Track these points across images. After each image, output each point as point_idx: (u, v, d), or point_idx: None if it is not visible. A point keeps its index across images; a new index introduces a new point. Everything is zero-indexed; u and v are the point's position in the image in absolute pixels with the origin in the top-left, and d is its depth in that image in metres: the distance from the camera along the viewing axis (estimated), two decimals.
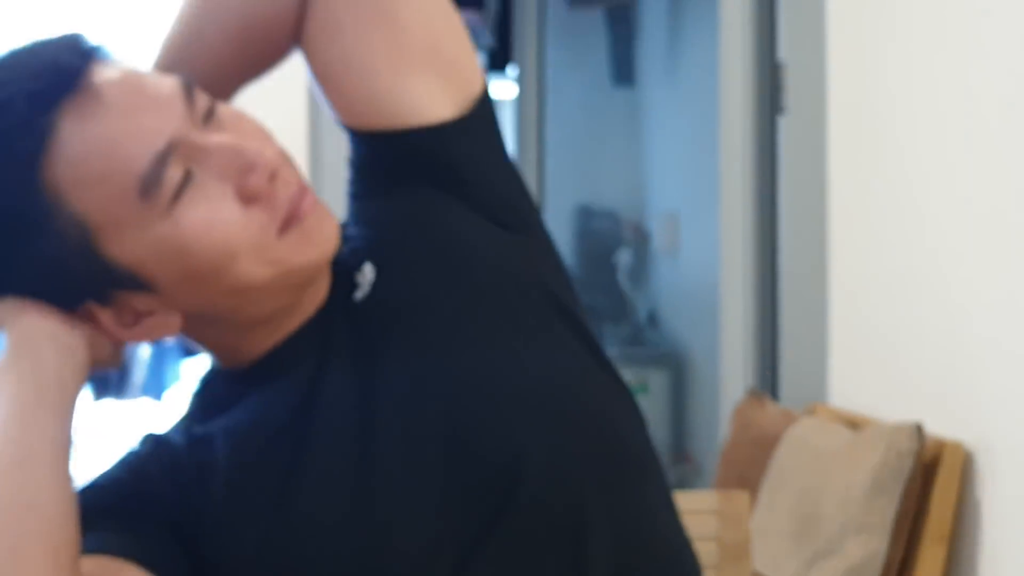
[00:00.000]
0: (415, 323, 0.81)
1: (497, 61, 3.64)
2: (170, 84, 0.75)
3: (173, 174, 0.72)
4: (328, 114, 0.87)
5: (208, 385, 0.88)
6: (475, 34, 4.69)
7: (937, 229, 1.88)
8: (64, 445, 0.71)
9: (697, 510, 1.23)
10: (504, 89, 5.34)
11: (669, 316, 3.96)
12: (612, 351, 3.79)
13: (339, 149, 0.88)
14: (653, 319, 4.03)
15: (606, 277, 4.24)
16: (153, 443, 0.83)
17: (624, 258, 4.33)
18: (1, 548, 0.66)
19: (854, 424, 1.97)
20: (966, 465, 1.75)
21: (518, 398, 0.78)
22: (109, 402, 3.79)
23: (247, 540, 0.77)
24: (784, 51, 2.35)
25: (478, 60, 0.88)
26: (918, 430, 1.73)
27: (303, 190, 0.78)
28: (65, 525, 0.69)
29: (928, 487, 1.76)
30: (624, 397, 0.87)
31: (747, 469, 2.07)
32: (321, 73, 0.84)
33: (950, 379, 1.83)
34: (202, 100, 0.76)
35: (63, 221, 0.73)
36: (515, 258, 0.84)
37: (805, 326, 2.33)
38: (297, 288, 0.80)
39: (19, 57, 0.75)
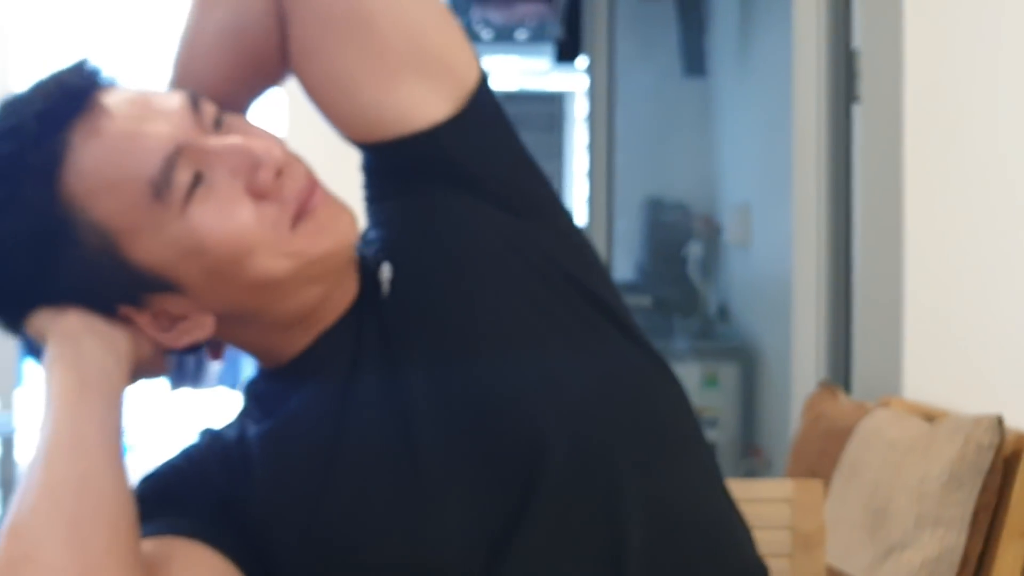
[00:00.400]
0: (435, 318, 0.83)
1: (567, 52, 3.63)
2: (177, 97, 0.79)
3: (183, 176, 0.75)
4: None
5: (254, 384, 0.90)
6: (544, 26, 4.68)
7: (1016, 217, 1.83)
8: (114, 430, 0.74)
9: (770, 498, 1.22)
10: (574, 80, 5.34)
11: (740, 309, 3.91)
12: (682, 344, 3.80)
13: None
14: (724, 312, 3.98)
15: (676, 270, 4.20)
16: (210, 437, 0.86)
17: (695, 251, 4.29)
18: (60, 523, 0.68)
19: (930, 417, 1.93)
20: None
21: (540, 379, 0.80)
22: (186, 392, 3.87)
23: (289, 532, 0.79)
24: (859, 38, 2.30)
25: (471, 49, 0.87)
26: (998, 423, 1.69)
27: (312, 184, 0.79)
28: (121, 503, 0.71)
29: (1008, 481, 1.71)
30: (659, 372, 0.87)
31: (818, 461, 2.03)
32: (311, 92, 0.85)
33: None
34: (210, 109, 0.79)
35: (84, 230, 0.76)
36: (524, 241, 0.85)
37: (879, 318, 2.28)
38: (321, 281, 0.81)
39: (35, 85, 0.79)
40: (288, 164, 0.79)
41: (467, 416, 0.79)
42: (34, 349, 0.81)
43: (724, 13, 3.90)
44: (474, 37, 5.46)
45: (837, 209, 2.40)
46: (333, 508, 0.79)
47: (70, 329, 0.77)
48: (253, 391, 0.90)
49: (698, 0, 3.68)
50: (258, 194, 0.77)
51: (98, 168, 0.76)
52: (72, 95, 0.77)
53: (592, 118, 3.45)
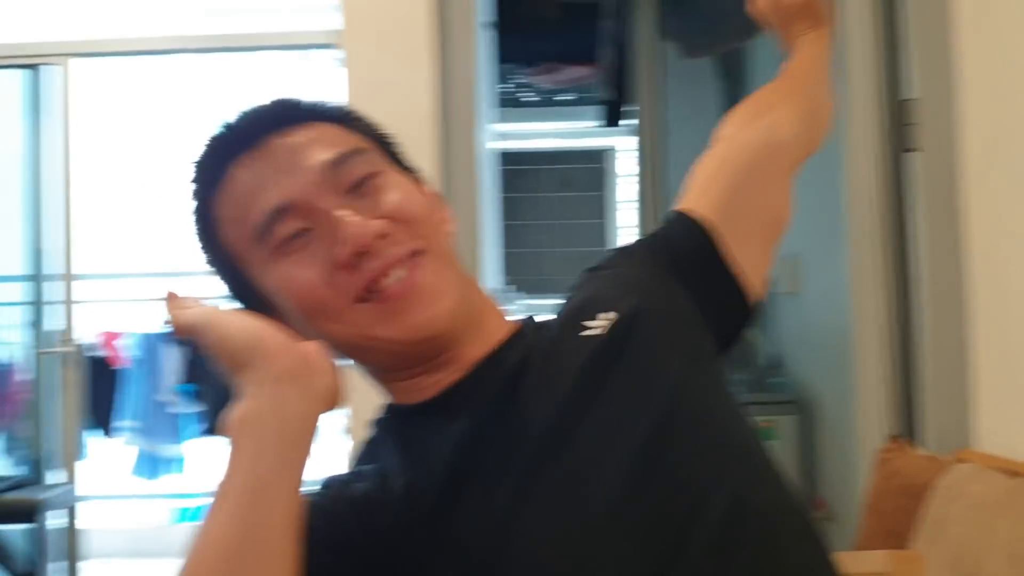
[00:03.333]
0: (635, 367, 0.86)
1: (615, 113, 3.56)
2: (322, 155, 0.85)
3: (284, 229, 0.82)
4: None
5: (383, 421, 0.91)
6: (586, 88, 4.64)
7: None
8: (297, 481, 0.72)
9: (868, 573, 1.11)
10: (618, 138, 5.28)
11: (794, 359, 3.78)
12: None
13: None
14: (777, 363, 3.85)
15: None
16: (337, 484, 0.86)
17: None
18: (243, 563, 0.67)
19: (1010, 470, 1.80)
20: None
21: (712, 444, 0.83)
22: None
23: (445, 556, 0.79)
24: (914, 87, 2.21)
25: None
26: None
27: (412, 269, 0.82)
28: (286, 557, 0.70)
29: None
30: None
31: (895, 520, 1.91)
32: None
33: None
34: (354, 172, 0.85)
35: (220, 246, 0.87)
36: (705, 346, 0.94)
37: (946, 367, 2.16)
38: (404, 356, 0.84)
39: (254, 107, 0.89)
40: (384, 243, 0.82)
41: (640, 461, 0.80)
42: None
43: (765, 67, 3.83)
44: (519, 101, 5.45)
45: (895, 256, 2.29)
46: (510, 536, 0.78)
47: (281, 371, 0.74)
48: (384, 426, 0.91)
49: (740, 56, 3.61)
50: (336, 265, 0.81)
51: (235, 201, 0.85)
52: (247, 134, 0.86)
53: (642, 175, 3.37)
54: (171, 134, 4.78)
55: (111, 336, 4.60)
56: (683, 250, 0.97)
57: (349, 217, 0.81)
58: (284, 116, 0.87)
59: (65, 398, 3.67)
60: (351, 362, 0.88)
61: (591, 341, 0.88)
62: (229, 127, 0.88)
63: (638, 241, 1.03)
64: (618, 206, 5.61)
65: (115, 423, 4.46)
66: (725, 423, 0.87)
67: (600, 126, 4.14)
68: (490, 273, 3.74)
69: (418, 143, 2.24)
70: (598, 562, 0.76)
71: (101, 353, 4.54)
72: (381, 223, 0.82)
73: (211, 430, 4.31)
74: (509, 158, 5.53)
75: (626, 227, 5.43)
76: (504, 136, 5.31)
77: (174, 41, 3.64)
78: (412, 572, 0.79)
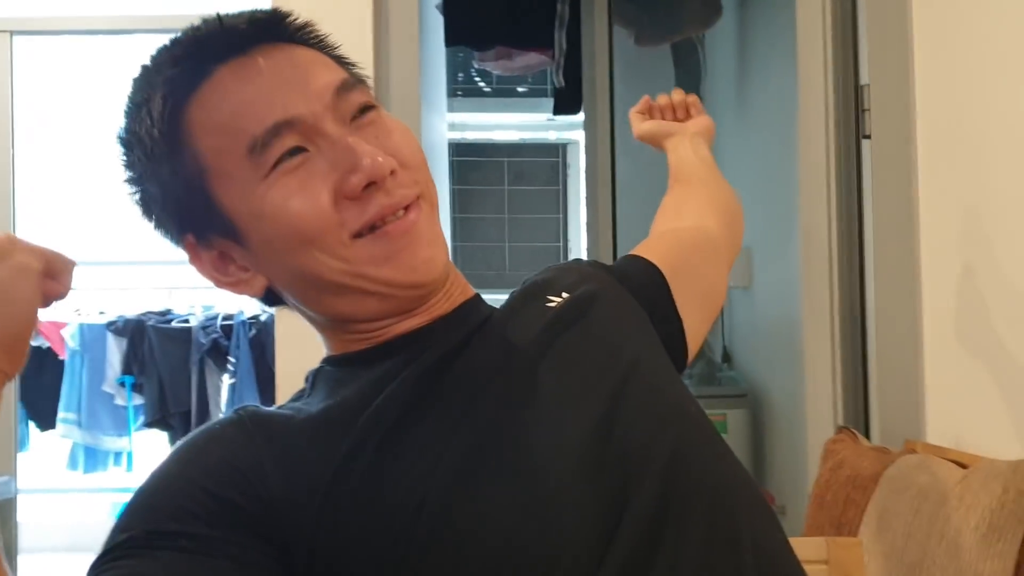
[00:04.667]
0: (591, 345, 0.86)
1: (566, 102, 3.50)
2: (332, 77, 0.81)
3: (282, 144, 0.77)
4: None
5: (319, 371, 0.88)
6: (544, 78, 4.58)
7: None
8: None
9: (805, 559, 1.05)
10: (574, 131, 5.23)
11: (745, 353, 3.75)
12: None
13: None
14: (728, 357, 3.82)
15: None
16: (246, 416, 0.80)
17: None
18: None
19: (959, 461, 1.76)
20: None
21: (671, 412, 0.83)
22: None
23: (360, 514, 0.73)
24: (867, 73, 2.17)
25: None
26: None
27: (408, 211, 0.79)
28: None
29: None
30: None
31: (842, 511, 1.86)
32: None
33: None
34: (356, 100, 0.81)
35: (188, 155, 0.79)
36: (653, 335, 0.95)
37: (897, 359, 2.12)
38: (385, 301, 0.81)
39: (236, 13, 0.81)
40: (392, 181, 0.78)
41: (597, 428, 0.78)
42: None
43: (721, 59, 3.80)
44: (475, 91, 5.38)
45: (849, 247, 2.25)
46: (436, 495, 0.73)
47: None
48: (318, 374, 0.87)
49: (694, 47, 3.56)
50: (341, 194, 0.77)
51: (220, 108, 0.78)
52: (237, 38, 0.79)
53: (592, 168, 3.30)
54: (114, 118, 4.65)
55: (55, 326, 4.47)
56: (638, 281, 0.99)
57: (363, 146, 0.77)
58: (280, 30, 0.82)
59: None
60: (301, 304, 0.84)
61: (552, 309, 0.88)
62: (215, 25, 0.80)
63: (591, 261, 1.05)
64: (579, 201, 5.57)
65: (59, 415, 4.35)
66: (679, 398, 0.87)
67: (550, 118, 4.08)
68: None
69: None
70: (554, 528, 0.72)
71: (43, 343, 4.41)
72: (392, 160, 0.79)
73: (152, 422, 4.20)
74: (464, 149, 5.47)
75: (583, 223, 5.39)
76: (459, 127, 5.25)
77: (122, 21, 3.52)
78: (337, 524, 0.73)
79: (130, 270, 4.74)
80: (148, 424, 4.22)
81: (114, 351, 4.31)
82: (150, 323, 4.31)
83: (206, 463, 0.74)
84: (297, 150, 0.77)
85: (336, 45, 0.87)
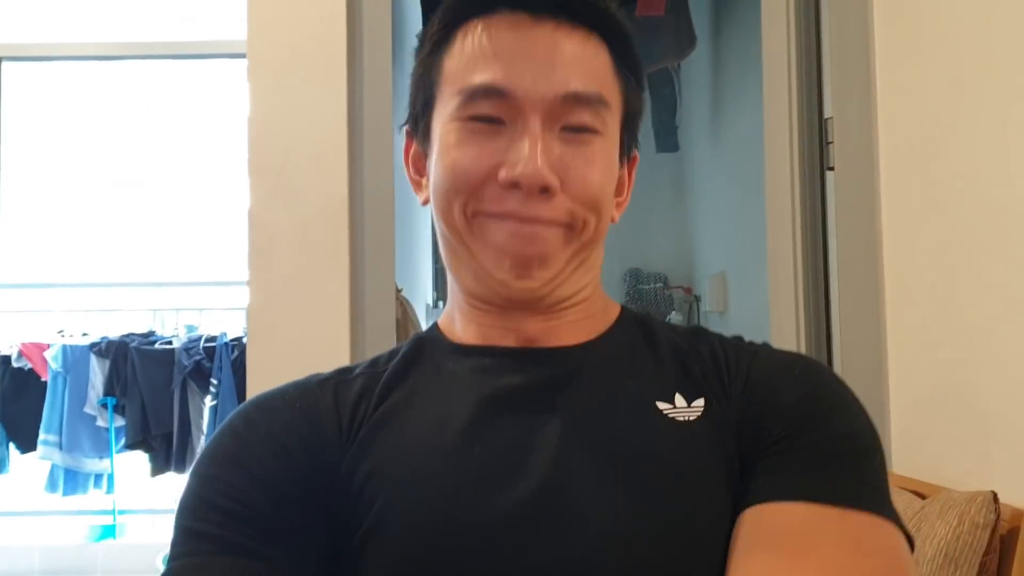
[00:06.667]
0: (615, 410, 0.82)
1: None
2: (573, 82, 0.79)
3: (484, 106, 0.79)
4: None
5: (426, 336, 0.91)
6: None
7: (998, 281, 1.68)
8: None
9: None
10: None
11: None
12: None
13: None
14: None
15: None
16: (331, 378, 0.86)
17: (676, 319, 4.15)
18: None
19: (921, 492, 1.75)
20: None
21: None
22: None
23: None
24: (831, 107, 2.18)
25: None
26: (994, 499, 1.51)
27: (527, 218, 0.78)
28: None
29: (1006, 561, 1.53)
30: None
31: None
32: None
33: (1023, 445, 1.61)
34: (582, 117, 0.80)
35: (437, 65, 0.84)
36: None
37: (861, 387, 2.11)
38: (481, 282, 0.83)
39: None
40: (541, 198, 0.78)
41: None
42: None
43: (696, 89, 3.81)
44: None
45: (815, 275, 2.25)
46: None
47: None
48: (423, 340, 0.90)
49: (669, 77, 3.57)
50: (494, 177, 0.79)
51: (474, 44, 0.81)
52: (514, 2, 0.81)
53: None
54: (99, 142, 4.64)
55: (38, 348, 4.44)
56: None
57: (536, 151, 0.77)
58: (577, 8, 0.81)
59: None
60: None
61: (664, 419, 0.82)
62: None
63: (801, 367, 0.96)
64: None
65: (40, 437, 4.30)
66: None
67: None
68: (420, 288, 3.66)
69: (328, 155, 2.16)
70: None
71: (26, 365, 4.38)
72: (555, 179, 0.78)
73: (134, 444, 4.17)
74: None
75: None
76: None
77: (109, 48, 3.53)
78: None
79: (115, 292, 4.71)
80: (129, 446, 4.18)
81: (97, 373, 4.28)
82: (133, 344, 4.28)
83: None
84: (494, 120, 0.79)
85: (636, 61, 0.87)
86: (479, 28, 0.81)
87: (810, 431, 0.76)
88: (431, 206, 0.86)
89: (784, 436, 0.76)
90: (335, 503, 0.76)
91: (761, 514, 0.72)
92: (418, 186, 0.90)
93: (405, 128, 0.91)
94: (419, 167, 0.90)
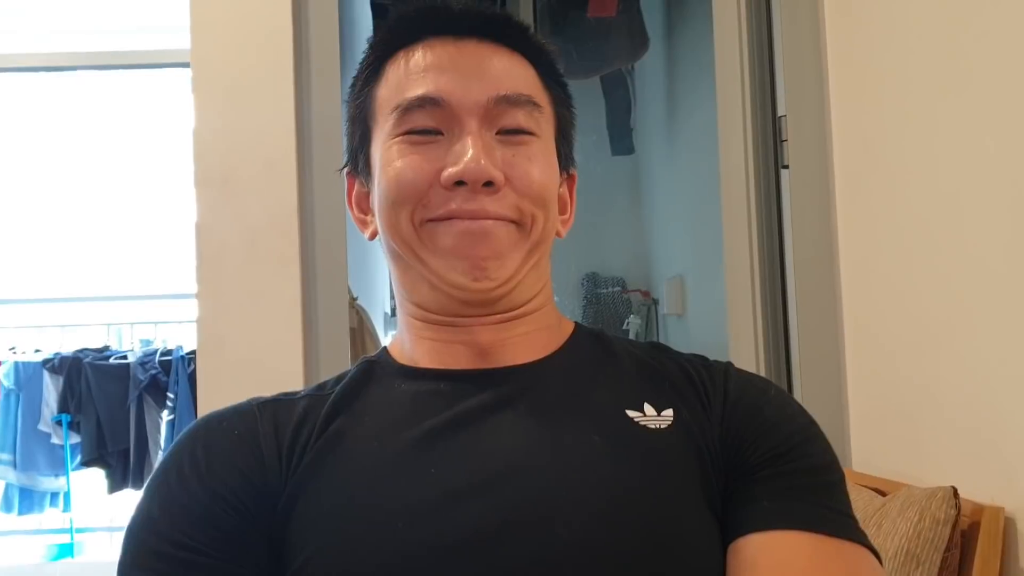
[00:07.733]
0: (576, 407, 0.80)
1: None
2: (508, 85, 0.81)
3: (422, 118, 0.80)
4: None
5: (368, 370, 0.87)
6: None
7: (953, 278, 1.66)
8: None
9: None
10: None
11: None
12: None
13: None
14: None
15: None
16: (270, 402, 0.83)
17: (634, 323, 4.13)
18: None
19: (882, 490, 1.74)
20: (1008, 531, 1.52)
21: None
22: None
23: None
24: (784, 105, 2.17)
25: None
26: (954, 494, 1.50)
27: (487, 223, 0.78)
28: None
29: (967, 557, 1.52)
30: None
31: None
32: None
33: (981, 440, 1.59)
34: (517, 119, 0.81)
35: (369, 99, 0.86)
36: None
37: (820, 386, 2.10)
38: (435, 290, 0.82)
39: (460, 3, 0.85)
40: (488, 194, 0.78)
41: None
42: None
43: (650, 91, 3.80)
44: None
45: (772, 275, 2.24)
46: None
47: None
48: (363, 373, 0.87)
49: (623, 79, 3.56)
50: (439, 181, 0.79)
51: (401, 69, 0.83)
52: (466, 21, 0.83)
53: None
54: (48, 155, 4.54)
55: None
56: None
57: (478, 149, 0.78)
58: (502, 30, 0.84)
59: None
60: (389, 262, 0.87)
61: (635, 427, 0.81)
62: (444, 7, 0.85)
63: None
64: None
65: None
66: None
67: None
68: (377, 296, 3.60)
69: (277, 163, 2.10)
70: None
71: None
72: (499, 173, 0.79)
73: (90, 461, 4.07)
74: None
75: None
76: None
77: (61, 58, 3.44)
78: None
79: (68, 307, 4.61)
80: (85, 463, 4.08)
81: (50, 389, 4.17)
82: (87, 360, 4.18)
83: None
84: (432, 132, 0.80)
85: (561, 79, 0.89)
86: (408, 54, 0.83)
87: (796, 459, 0.77)
88: (379, 237, 0.86)
89: (770, 458, 0.77)
90: (274, 531, 0.74)
91: (764, 544, 0.72)
92: (363, 224, 0.90)
93: (346, 171, 0.91)
94: (363, 206, 0.90)
